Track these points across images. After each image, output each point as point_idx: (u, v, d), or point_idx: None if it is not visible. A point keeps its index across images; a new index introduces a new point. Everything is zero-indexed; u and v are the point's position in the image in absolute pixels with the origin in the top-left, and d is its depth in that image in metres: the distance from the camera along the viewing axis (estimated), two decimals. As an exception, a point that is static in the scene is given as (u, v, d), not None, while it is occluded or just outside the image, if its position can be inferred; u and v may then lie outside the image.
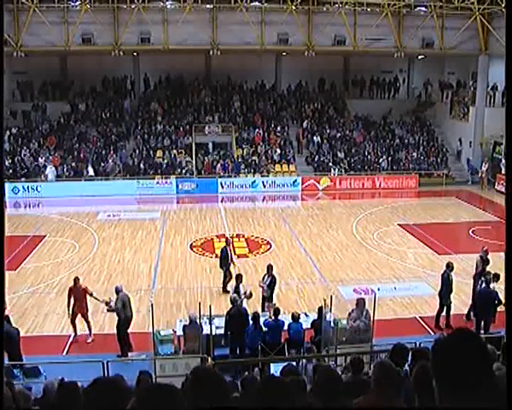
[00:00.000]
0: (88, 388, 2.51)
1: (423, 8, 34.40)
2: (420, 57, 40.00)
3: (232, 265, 17.77)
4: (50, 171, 32.58)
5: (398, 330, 14.45)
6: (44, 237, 23.91)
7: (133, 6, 32.40)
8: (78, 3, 32.65)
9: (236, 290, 14.43)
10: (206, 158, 34.80)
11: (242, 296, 14.40)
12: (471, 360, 2.23)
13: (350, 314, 12.90)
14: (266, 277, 15.52)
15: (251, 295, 14.69)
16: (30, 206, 31.06)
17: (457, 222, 27.21)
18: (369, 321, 12.57)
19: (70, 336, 14.45)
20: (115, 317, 15.11)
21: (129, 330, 14.19)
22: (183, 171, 33.78)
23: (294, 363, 10.41)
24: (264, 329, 12.82)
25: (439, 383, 2.29)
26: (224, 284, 17.47)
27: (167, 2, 33.59)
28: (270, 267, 15.70)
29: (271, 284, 15.36)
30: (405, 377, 4.98)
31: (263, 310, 14.69)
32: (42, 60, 36.33)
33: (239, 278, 15.01)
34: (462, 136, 36.76)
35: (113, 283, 18.27)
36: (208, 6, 33.64)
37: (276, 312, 13.13)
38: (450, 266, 15.14)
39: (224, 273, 17.56)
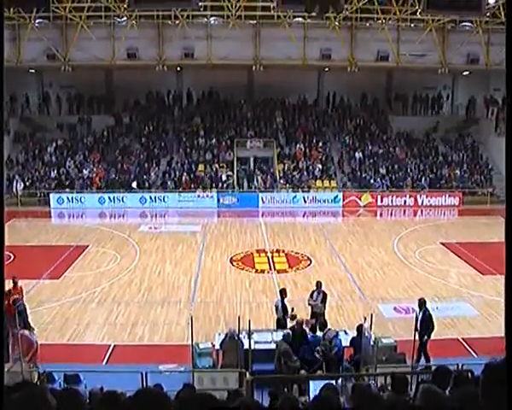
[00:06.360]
0: (132, 398, 2.51)
1: (468, 24, 33.94)
2: (465, 73, 39.39)
3: None
4: (18, 184, 32.71)
5: (441, 350, 14.11)
6: (87, 247, 24.30)
7: (177, 22, 32.97)
8: (124, 19, 33.39)
9: (282, 307, 14.14)
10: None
11: (287, 316, 14.06)
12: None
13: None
14: (316, 294, 15.09)
15: (295, 316, 14.09)
16: (74, 216, 31.68)
17: (502, 242, 26.46)
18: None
19: (110, 346, 14.58)
20: (154, 328, 15.33)
21: (168, 343, 14.32)
22: (225, 185, 33.99)
23: (334, 382, 10.28)
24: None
25: (488, 405, 2.22)
26: None
27: (211, 18, 34.03)
28: (319, 284, 15.29)
29: (323, 300, 14.97)
30: (449, 400, 4.84)
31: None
32: (88, 74, 37.15)
33: (283, 293, 14.60)
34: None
35: (153, 294, 18.47)
36: (251, 22, 33.97)
37: (313, 328, 12.98)
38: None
39: None
